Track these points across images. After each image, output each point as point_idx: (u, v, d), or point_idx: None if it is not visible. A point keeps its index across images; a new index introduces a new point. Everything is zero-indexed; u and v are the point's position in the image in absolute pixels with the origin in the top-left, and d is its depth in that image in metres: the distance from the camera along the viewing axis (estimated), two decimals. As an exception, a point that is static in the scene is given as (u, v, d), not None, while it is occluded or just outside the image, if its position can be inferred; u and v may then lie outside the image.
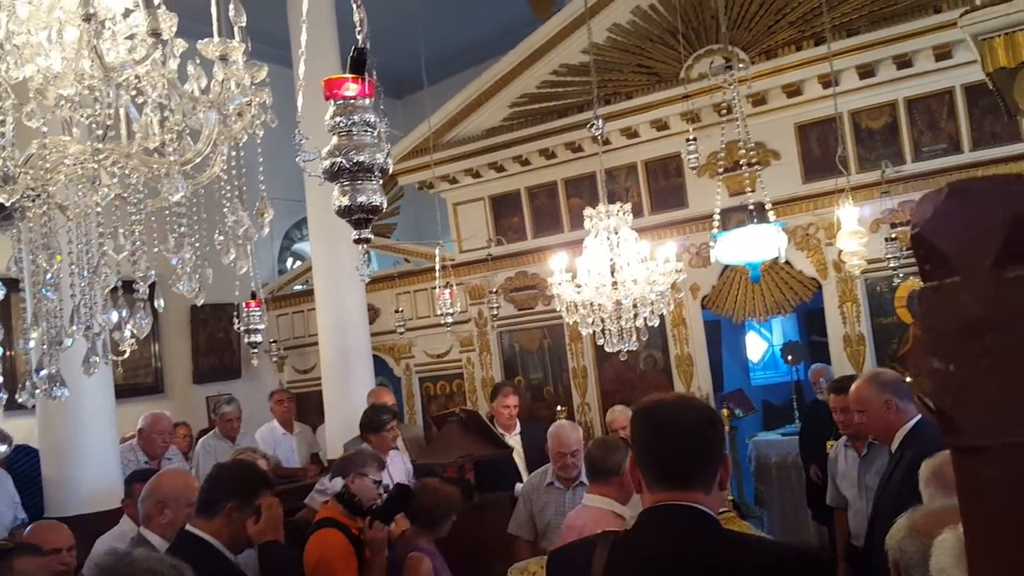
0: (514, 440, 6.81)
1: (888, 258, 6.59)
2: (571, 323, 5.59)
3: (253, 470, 3.64)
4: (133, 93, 2.67)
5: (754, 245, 5.81)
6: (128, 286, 2.89)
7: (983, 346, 0.56)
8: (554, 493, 5.06)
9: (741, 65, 6.72)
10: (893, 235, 6.83)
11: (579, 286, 5.29)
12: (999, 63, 2.54)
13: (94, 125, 2.57)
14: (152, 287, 2.90)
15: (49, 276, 2.91)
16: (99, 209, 2.90)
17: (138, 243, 2.79)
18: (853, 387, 4.20)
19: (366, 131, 1.93)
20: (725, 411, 6.74)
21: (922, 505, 2.24)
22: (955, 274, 0.57)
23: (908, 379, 5.64)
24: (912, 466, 3.56)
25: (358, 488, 4.33)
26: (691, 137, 6.94)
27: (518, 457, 6.66)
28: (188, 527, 3.35)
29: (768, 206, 6.13)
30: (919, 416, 3.88)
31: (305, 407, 8.91)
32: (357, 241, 1.94)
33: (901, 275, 7.11)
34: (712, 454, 2.06)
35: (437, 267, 7.97)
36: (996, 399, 0.56)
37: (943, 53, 6.97)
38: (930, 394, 0.60)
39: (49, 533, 4.06)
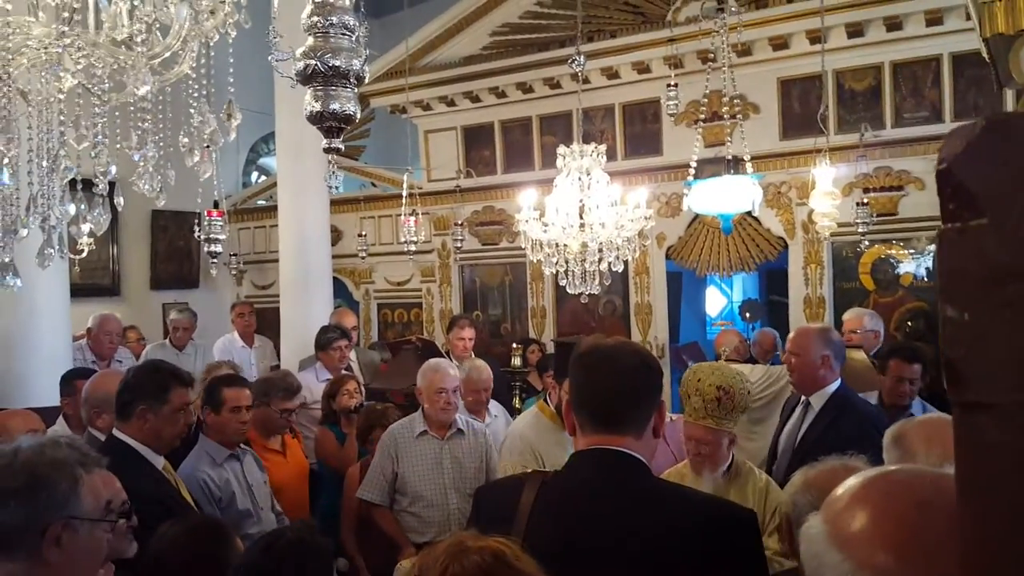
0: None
1: (857, 223, 6.60)
2: (535, 261, 5.55)
3: (161, 368, 3.55)
4: (103, -22, 2.55)
5: (728, 196, 5.76)
6: (87, 184, 2.79)
7: (1006, 296, 0.52)
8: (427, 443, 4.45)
9: (734, 9, 6.57)
10: (865, 200, 6.82)
11: (546, 225, 5.24)
12: (997, 29, 2.49)
13: (61, 8, 2.46)
14: (112, 185, 2.81)
15: (6, 161, 2.80)
16: (61, 97, 2.79)
17: (100, 137, 2.70)
18: (795, 332, 4.28)
19: (344, 34, 1.83)
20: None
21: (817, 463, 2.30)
22: (982, 216, 0.53)
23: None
24: (852, 424, 3.67)
25: (261, 417, 4.60)
26: (672, 83, 6.84)
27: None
28: (114, 431, 3.34)
29: (747, 160, 6.08)
30: (840, 380, 4.04)
31: (262, 323, 8.81)
32: (327, 150, 1.87)
33: (868, 242, 7.14)
34: (644, 396, 2.07)
35: (404, 194, 7.86)
36: (1013, 354, 0.52)
37: (935, 18, 6.87)
38: (942, 342, 0.56)
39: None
